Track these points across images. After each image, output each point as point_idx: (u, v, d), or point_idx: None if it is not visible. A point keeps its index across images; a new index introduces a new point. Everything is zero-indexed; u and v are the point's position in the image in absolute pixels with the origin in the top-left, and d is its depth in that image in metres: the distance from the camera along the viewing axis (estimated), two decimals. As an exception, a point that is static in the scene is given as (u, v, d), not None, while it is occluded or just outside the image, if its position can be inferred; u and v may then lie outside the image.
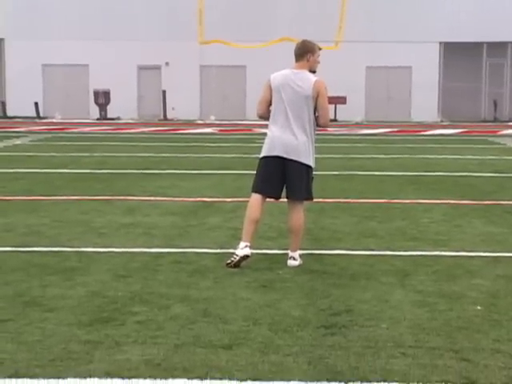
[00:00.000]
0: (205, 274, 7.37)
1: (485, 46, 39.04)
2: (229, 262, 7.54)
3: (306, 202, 7.92)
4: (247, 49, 35.59)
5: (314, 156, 7.77)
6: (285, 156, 7.57)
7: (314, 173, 7.84)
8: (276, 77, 7.73)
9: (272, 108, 7.78)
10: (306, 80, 7.63)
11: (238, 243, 7.67)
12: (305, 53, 7.67)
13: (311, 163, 7.69)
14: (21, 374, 4.86)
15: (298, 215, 7.76)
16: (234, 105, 39.04)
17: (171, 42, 37.68)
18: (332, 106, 36.82)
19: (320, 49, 7.89)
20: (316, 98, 7.61)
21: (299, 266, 7.69)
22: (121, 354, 5.22)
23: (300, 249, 7.87)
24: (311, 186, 7.78)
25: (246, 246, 7.57)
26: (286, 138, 7.58)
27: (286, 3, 37.58)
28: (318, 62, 7.83)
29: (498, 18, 37.24)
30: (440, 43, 38.69)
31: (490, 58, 39.55)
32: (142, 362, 5.05)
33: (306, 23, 36.66)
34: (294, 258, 7.74)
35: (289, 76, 7.69)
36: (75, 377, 4.82)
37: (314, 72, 7.70)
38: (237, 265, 7.49)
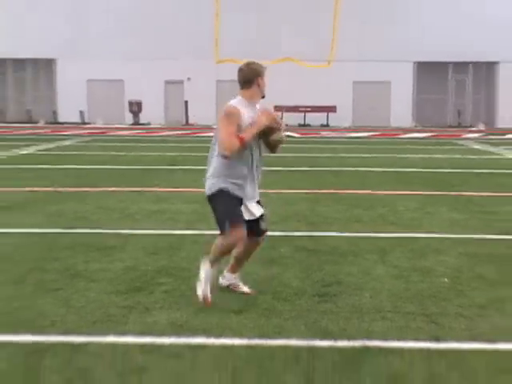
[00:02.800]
0: (220, 251, 7.37)
1: (450, 65, 39.02)
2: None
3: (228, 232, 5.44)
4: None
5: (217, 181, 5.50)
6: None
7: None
8: (243, 113, 5.38)
9: None
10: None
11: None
12: (254, 77, 5.44)
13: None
14: (70, 333, 4.88)
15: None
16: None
17: (192, 60, 37.62)
18: (324, 114, 36.88)
19: (265, 68, 5.65)
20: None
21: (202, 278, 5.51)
22: (150, 317, 5.24)
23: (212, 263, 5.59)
24: (221, 216, 5.49)
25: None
26: (252, 190, 5.58)
27: (289, 28, 37.41)
28: (265, 85, 5.56)
29: (461, 42, 37.10)
30: (414, 62, 38.55)
31: (454, 75, 39.49)
32: (167, 324, 5.06)
33: (304, 45, 36.61)
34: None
35: (252, 112, 5.44)
36: (114, 335, 4.85)
37: (263, 97, 5.54)
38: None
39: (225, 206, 5.44)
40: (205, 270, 5.49)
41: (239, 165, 5.44)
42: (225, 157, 5.35)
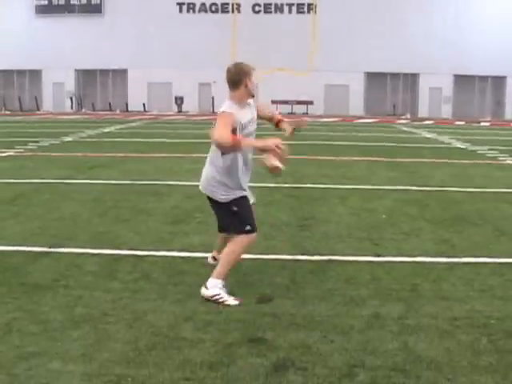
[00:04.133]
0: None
1: (388, 75, 38.65)
2: None
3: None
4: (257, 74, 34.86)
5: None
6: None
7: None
8: (236, 114, 3.61)
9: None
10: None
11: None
12: (242, 77, 3.61)
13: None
14: (136, 249, 4.88)
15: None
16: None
17: (217, 70, 36.64)
18: (305, 106, 36.63)
19: (254, 69, 3.68)
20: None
21: (211, 297, 3.61)
22: (188, 239, 5.23)
23: (224, 279, 3.69)
24: (243, 219, 3.78)
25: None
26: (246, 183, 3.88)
27: (282, 47, 36.72)
28: (256, 84, 3.69)
29: (395, 60, 36.76)
30: (364, 72, 38.08)
31: (391, 82, 39.07)
32: (200, 244, 5.06)
33: (293, 59, 36.30)
34: (206, 286, 3.65)
35: (247, 110, 3.73)
36: (165, 250, 4.84)
37: (253, 96, 3.72)
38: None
39: (244, 209, 3.75)
40: (218, 286, 3.60)
41: (238, 171, 3.74)
42: (216, 146, 3.60)
